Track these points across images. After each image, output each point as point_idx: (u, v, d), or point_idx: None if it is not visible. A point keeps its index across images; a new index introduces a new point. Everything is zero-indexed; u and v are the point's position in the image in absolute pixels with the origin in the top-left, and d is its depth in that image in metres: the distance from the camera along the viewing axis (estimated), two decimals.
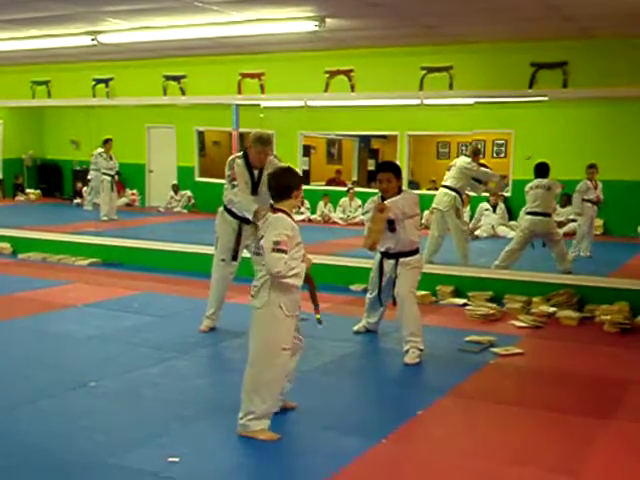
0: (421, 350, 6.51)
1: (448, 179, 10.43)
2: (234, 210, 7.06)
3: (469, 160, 10.46)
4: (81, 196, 18.54)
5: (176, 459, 4.21)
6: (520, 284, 8.83)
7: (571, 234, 13.18)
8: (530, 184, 9.93)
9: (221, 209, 7.22)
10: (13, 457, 4.28)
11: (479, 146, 11.10)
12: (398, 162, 10.41)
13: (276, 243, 4.51)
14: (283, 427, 4.80)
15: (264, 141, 6.92)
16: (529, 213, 9.82)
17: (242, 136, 17.18)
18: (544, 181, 9.78)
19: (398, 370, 6.48)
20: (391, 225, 6.51)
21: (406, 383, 6.08)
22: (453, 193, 10.25)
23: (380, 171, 6.68)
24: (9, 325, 7.44)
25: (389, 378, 6.16)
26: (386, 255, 6.79)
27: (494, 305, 8.40)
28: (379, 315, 7.33)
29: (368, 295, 7.35)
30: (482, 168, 10.60)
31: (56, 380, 5.69)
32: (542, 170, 9.92)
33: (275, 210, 4.72)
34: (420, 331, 6.56)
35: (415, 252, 6.68)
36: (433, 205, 10.49)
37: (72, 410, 5.10)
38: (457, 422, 5.22)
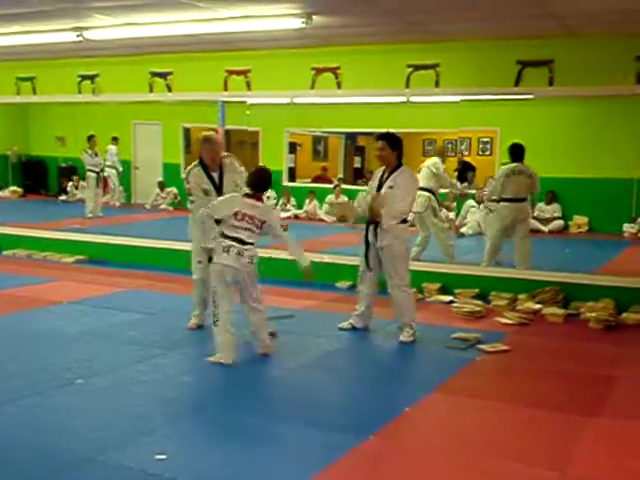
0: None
1: (420, 180, 10.36)
2: None
3: (437, 160, 10.46)
4: (66, 193, 18.50)
5: (163, 456, 4.20)
6: (506, 281, 8.86)
7: (557, 232, 13.28)
8: (507, 169, 9.76)
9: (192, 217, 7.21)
10: None
11: (444, 147, 11.04)
12: None
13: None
14: (270, 423, 4.81)
15: (211, 141, 7.09)
16: (509, 200, 9.66)
17: (228, 133, 17.23)
18: (523, 168, 9.66)
19: (385, 367, 6.51)
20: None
21: (393, 380, 6.08)
22: (427, 193, 10.21)
23: (376, 140, 7.06)
24: None
25: (376, 375, 6.16)
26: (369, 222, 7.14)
27: (480, 302, 8.43)
28: (368, 303, 7.41)
29: (360, 272, 7.45)
30: (445, 175, 10.51)
31: (42, 378, 5.66)
32: (518, 152, 9.75)
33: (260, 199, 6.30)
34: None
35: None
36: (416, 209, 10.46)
37: (59, 408, 5.08)
38: (444, 419, 5.24)
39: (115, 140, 17.16)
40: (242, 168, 7.17)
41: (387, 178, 7.05)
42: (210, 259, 7.08)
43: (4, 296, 8.61)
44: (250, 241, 6.17)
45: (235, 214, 6.15)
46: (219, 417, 4.69)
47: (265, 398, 5.43)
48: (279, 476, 4.16)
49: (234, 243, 6.11)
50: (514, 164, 9.68)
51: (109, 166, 16.57)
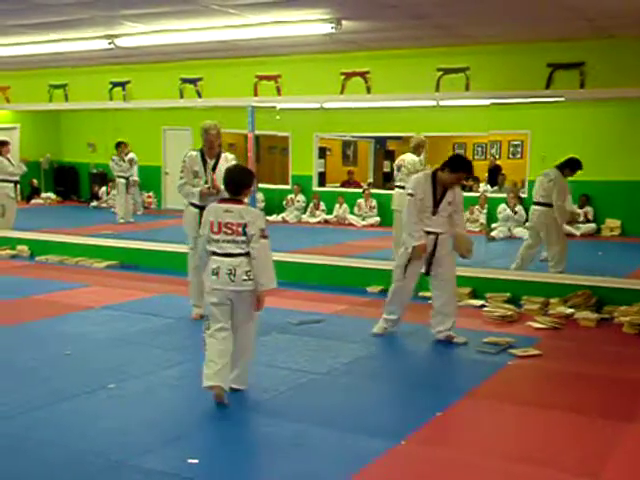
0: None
1: (402, 179, 10.30)
2: (194, 201, 7.58)
3: (416, 158, 10.47)
4: (98, 199, 18.64)
5: (195, 461, 4.22)
6: (537, 285, 8.80)
7: (589, 235, 13.16)
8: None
9: (186, 204, 7.76)
10: (33, 459, 4.31)
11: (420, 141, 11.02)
12: None
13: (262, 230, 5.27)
14: (301, 428, 4.81)
15: (205, 130, 7.63)
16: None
17: (258, 138, 17.28)
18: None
19: (416, 371, 6.49)
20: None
21: (424, 384, 6.06)
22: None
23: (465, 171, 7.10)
24: (26, 327, 7.49)
25: (407, 379, 6.15)
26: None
27: (512, 306, 8.38)
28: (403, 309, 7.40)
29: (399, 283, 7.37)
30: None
31: (75, 382, 5.72)
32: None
33: (239, 201, 5.41)
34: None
35: None
36: (395, 207, 10.50)
37: (91, 412, 5.12)
38: (475, 423, 5.21)
39: (120, 146, 16.22)
40: None
41: (443, 194, 7.05)
42: None
43: (37, 301, 8.70)
44: (239, 252, 5.26)
45: (211, 225, 5.33)
46: (252, 422, 4.70)
47: (296, 403, 5.43)
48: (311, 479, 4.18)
49: (223, 259, 5.27)
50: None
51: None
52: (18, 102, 13.32)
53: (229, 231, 5.24)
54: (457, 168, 7.00)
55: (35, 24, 8.96)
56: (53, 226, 13.64)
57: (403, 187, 10.23)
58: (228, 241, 5.25)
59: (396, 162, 10.82)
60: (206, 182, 7.52)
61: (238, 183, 5.42)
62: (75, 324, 7.65)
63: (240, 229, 5.23)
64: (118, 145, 15.94)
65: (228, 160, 7.60)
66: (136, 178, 16.67)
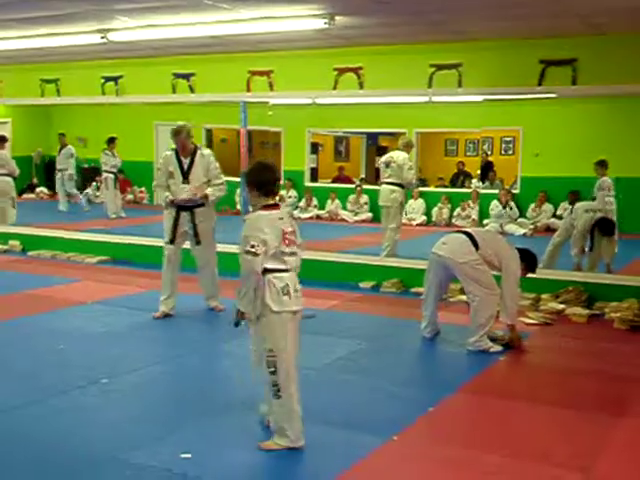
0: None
1: (391, 176, 10.49)
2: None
3: (406, 155, 10.57)
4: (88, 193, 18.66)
5: (188, 455, 4.22)
6: (529, 281, 8.78)
7: None
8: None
9: None
10: (25, 454, 4.30)
11: (410, 140, 11.23)
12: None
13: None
14: None
15: (175, 132, 7.51)
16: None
17: (250, 134, 17.28)
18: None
19: (408, 367, 6.49)
20: None
21: (416, 380, 6.08)
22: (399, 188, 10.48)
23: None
24: (18, 323, 7.47)
25: (399, 375, 6.15)
26: None
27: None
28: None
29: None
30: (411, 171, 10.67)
31: (67, 377, 5.71)
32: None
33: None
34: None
35: None
36: (384, 202, 10.66)
37: (84, 407, 5.11)
38: (467, 419, 5.23)
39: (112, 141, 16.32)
40: (217, 164, 7.71)
41: None
42: (171, 241, 7.69)
43: (29, 296, 8.68)
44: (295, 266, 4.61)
45: (283, 237, 4.47)
46: (244, 417, 4.71)
47: None
48: (302, 476, 4.19)
49: (290, 275, 4.55)
50: None
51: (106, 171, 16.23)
52: (9, 96, 13.27)
53: (290, 242, 4.50)
54: (533, 268, 7.17)
55: (26, 18, 8.95)
56: (44, 221, 13.62)
57: (392, 183, 10.32)
58: (292, 253, 4.53)
59: (383, 159, 10.82)
60: (183, 182, 7.51)
61: (278, 180, 4.69)
62: (67, 319, 7.64)
63: (295, 237, 4.57)
64: (110, 140, 15.93)
65: (204, 156, 7.59)
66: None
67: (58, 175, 16.79)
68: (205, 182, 7.57)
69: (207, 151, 7.76)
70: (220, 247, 8.03)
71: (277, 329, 4.43)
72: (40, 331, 7.15)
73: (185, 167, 7.53)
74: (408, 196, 13.57)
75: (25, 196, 18.77)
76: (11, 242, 12.20)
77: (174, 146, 7.59)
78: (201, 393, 5.43)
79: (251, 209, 4.74)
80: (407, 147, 10.71)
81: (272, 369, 4.40)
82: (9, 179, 12.99)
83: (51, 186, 19.09)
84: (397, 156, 10.54)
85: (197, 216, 7.63)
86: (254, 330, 4.60)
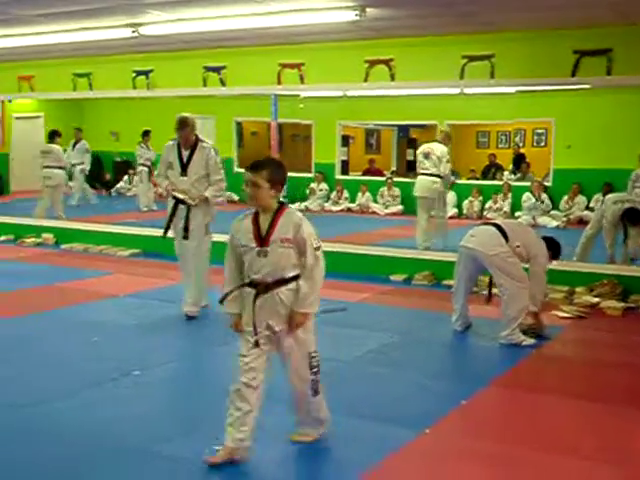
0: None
1: (430, 167, 10.61)
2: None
3: (445, 148, 10.70)
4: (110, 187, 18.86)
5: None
6: (563, 274, 8.72)
7: None
8: None
9: None
10: (59, 447, 4.33)
11: (448, 133, 11.34)
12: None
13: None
14: None
15: (180, 125, 7.41)
16: None
17: (281, 127, 17.28)
18: None
19: (441, 360, 6.48)
20: None
21: (448, 373, 6.06)
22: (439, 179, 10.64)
23: None
24: (53, 315, 7.54)
25: (432, 368, 6.12)
26: None
27: None
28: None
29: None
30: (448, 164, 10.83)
31: (100, 369, 5.74)
32: None
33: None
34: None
35: None
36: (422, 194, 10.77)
37: (116, 398, 5.14)
38: (499, 412, 5.20)
39: (146, 135, 16.61)
40: (218, 158, 7.52)
41: None
42: (165, 232, 7.61)
43: (61, 289, 8.76)
44: None
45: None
46: (277, 409, 4.70)
47: None
48: (334, 468, 4.18)
49: None
50: None
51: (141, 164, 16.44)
52: (42, 91, 13.37)
53: None
54: (557, 256, 7.19)
55: (58, 13, 8.99)
56: (77, 214, 13.74)
57: (431, 174, 10.32)
58: None
59: (421, 150, 10.89)
60: (181, 175, 7.37)
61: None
62: (100, 311, 7.69)
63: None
64: (145, 134, 16.00)
65: (204, 148, 7.44)
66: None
67: (72, 170, 16.73)
68: (204, 175, 7.38)
69: (207, 144, 7.54)
70: None
71: (313, 330, 4.37)
72: (73, 323, 7.21)
73: (184, 160, 7.39)
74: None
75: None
76: (44, 235, 12.32)
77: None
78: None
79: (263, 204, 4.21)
80: (446, 139, 10.81)
81: (316, 369, 4.33)
82: (62, 172, 13.52)
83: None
84: (436, 148, 10.64)
85: (192, 211, 7.38)
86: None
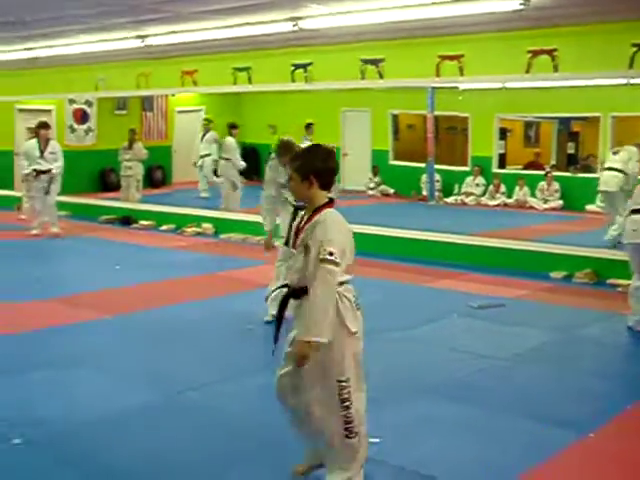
0: None
1: (617, 162, 10.73)
2: None
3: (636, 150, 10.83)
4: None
5: (377, 440, 4.20)
6: None
7: None
8: None
9: None
10: (218, 429, 4.47)
11: None
12: (600, 146, 10.14)
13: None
14: (484, 414, 4.71)
15: (282, 148, 7.16)
16: None
17: (436, 119, 17.10)
18: None
19: (604, 361, 6.23)
20: None
21: (611, 375, 5.82)
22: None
23: None
24: (212, 303, 7.80)
25: (593, 369, 5.90)
26: None
27: None
28: None
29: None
30: None
31: (256, 358, 5.77)
32: None
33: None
34: None
35: None
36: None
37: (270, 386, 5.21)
38: None
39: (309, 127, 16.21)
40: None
41: None
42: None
43: (222, 278, 9.01)
44: None
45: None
46: (431, 405, 4.66)
47: (477, 387, 5.31)
48: (494, 467, 4.07)
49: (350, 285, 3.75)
50: None
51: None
52: (204, 85, 13.75)
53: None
54: None
55: (221, 9, 9.20)
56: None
57: (619, 170, 10.52)
58: None
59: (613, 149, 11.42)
60: None
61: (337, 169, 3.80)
62: (255, 300, 7.79)
63: None
64: (307, 126, 16.10)
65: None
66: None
67: (199, 162, 16.72)
68: None
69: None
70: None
71: (349, 354, 3.61)
72: (230, 311, 7.43)
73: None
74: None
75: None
76: (204, 225, 12.70)
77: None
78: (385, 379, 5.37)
79: (294, 203, 4.08)
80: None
81: (347, 403, 3.60)
82: (230, 164, 14.37)
83: (243, 172, 19.67)
84: (629, 148, 10.86)
85: None
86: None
